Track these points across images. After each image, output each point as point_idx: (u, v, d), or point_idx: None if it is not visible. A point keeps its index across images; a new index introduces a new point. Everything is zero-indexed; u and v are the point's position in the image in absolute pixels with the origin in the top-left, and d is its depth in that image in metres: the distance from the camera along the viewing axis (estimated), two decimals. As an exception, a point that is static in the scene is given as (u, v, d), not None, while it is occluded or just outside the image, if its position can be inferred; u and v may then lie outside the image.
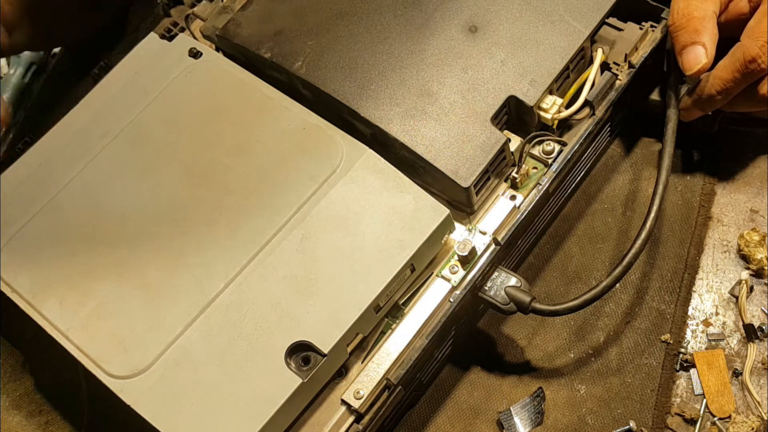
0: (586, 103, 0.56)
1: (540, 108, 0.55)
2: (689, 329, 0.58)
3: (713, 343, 0.57)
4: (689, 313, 0.58)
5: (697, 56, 0.54)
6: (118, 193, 0.55)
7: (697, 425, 0.55)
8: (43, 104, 0.76)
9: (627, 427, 0.55)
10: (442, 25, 0.56)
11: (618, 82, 0.57)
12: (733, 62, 0.54)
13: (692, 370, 0.57)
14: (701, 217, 0.61)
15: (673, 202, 0.62)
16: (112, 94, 0.58)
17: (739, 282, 0.58)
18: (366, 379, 0.51)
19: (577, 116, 0.57)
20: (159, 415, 0.48)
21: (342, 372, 0.52)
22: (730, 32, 0.56)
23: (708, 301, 0.59)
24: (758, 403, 0.55)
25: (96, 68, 0.62)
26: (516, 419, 0.56)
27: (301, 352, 0.49)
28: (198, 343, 0.49)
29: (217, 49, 0.62)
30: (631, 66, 0.57)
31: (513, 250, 0.58)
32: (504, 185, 0.56)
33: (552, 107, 0.55)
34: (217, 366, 0.49)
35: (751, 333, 0.57)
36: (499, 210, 0.55)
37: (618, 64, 0.58)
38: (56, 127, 0.58)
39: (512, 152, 0.55)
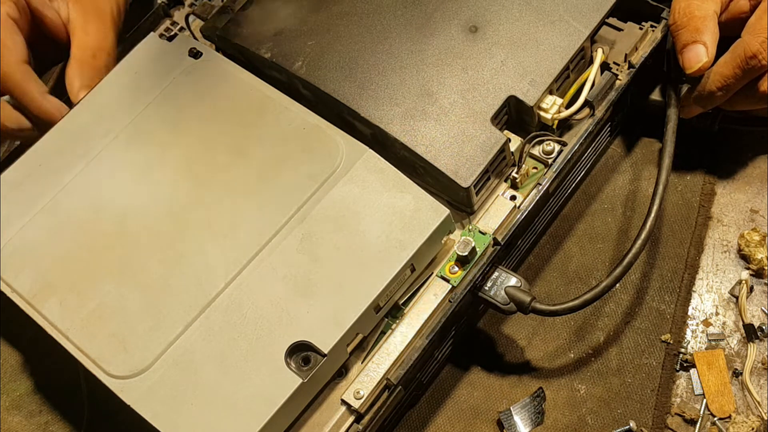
0: (586, 103, 0.56)
1: (540, 108, 0.55)
2: (689, 329, 0.58)
3: (713, 343, 0.57)
4: (689, 313, 0.58)
5: (697, 55, 0.54)
6: (118, 193, 0.55)
7: (697, 425, 0.55)
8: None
9: (627, 427, 0.55)
10: (442, 25, 0.56)
11: (618, 82, 0.57)
12: (734, 58, 0.54)
13: (692, 370, 0.57)
14: (701, 217, 0.61)
15: (673, 202, 0.62)
16: (112, 94, 0.58)
17: (739, 282, 0.58)
18: (366, 379, 0.51)
19: (577, 116, 0.57)
20: (159, 415, 0.48)
21: (342, 372, 0.52)
22: (730, 32, 0.56)
23: (708, 301, 0.59)
24: (758, 403, 0.55)
25: (96, 68, 0.61)
26: (516, 419, 0.56)
27: (301, 352, 0.49)
28: (198, 343, 0.49)
29: (217, 49, 0.62)
30: (631, 66, 0.57)
31: (513, 250, 0.58)
32: (504, 185, 0.56)
33: (552, 107, 0.55)
34: (217, 366, 0.49)
35: (751, 333, 0.57)
36: (499, 210, 0.55)
37: (618, 64, 0.58)
38: (56, 127, 0.58)
39: (512, 152, 0.55)
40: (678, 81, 0.59)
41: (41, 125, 0.59)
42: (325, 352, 0.48)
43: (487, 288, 0.54)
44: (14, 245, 0.54)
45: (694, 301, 0.59)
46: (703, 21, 0.54)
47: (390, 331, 0.52)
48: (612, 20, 0.59)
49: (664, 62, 0.60)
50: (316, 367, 0.48)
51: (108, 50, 0.61)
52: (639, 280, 0.60)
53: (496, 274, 0.54)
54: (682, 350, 0.57)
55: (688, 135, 0.61)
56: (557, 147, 0.55)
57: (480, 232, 0.54)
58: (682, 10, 0.55)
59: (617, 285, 0.57)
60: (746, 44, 0.53)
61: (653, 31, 0.59)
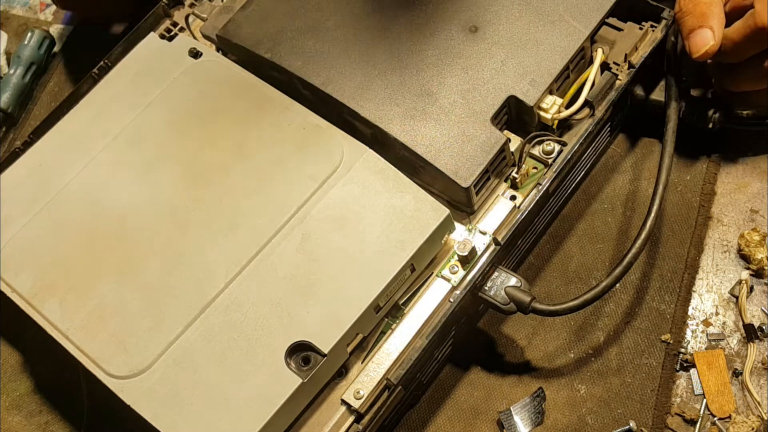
0: (586, 103, 0.56)
1: (540, 108, 0.55)
2: (689, 329, 0.58)
3: (713, 343, 0.57)
4: (689, 313, 0.58)
5: (704, 39, 0.54)
6: (118, 193, 0.55)
7: (697, 425, 0.55)
8: (43, 104, 0.76)
9: (627, 427, 0.55)
10: (442, 25, 0.56)
11: (618, 82, 0.57)
12: (745, 28, 0.53)
13: (692, 370, 0.57)
14: (701, 217, 0.61)
15: (673, 202, 0.62)
16: (112, 94, 0.58)
17: (739, 282, 0.58)
18: (366, 379, 0.51)
19: (577, 116, 0.57)
20: (159, 415, 0.48)
21: (342, 372, 0.52)
22: (735, 20, 0.55)
23: (708, 301, 0.59)
24: (758, 403, 0.55)
25: (96, 68, 0.62)
26: (516, 419, 0.56)
27: (301, 352, 0.49)
28: (198, 343, 0.49)
29: (217, 49, 0.62)
30: (631, 66, 0.57)
31: (513, 250, 0.58)
32: (504, 185, 0.56)
33: (552, 107, 0.55)
34: (217, 366, 0.49)
35: (751, 333, 0.57)
36: (499, 210, 0.55)
37: (618, 64, 0.58)
38: (56, 127, 0.58)
39: (512, 152, 0.55)
40: (678, 80, 0.59)
41: None
42: (325, 352, 0.48)
43: (487, 288, 0.54)
44: (14, 245, 0.54)
45: (694, 301, 0.59)
46: (709, 6, 0.54)
47: (390, 331, 0.52)
48: (612, 20, 0.59)
49: (664, 62, 0.60)
50: (316, 367, 0.48)
51: None
52: (639, 280, 0.60)
53: (496, 274, 0.54)
54: (682, 350, 0.57)
55: (688, 135, 0.61)
56: (557, 147, 0.56)
57: (480, 232, 0.54)
58: None
59: (617, 285, 0.57)
60: (758, 14, 0.53)
61: (653, 31, 0.58)
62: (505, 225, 0.54)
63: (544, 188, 0.54)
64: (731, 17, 0.55)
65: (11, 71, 0.76)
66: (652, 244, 0.61)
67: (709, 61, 0.56)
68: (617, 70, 0.58)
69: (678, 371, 0.57)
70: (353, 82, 0.55)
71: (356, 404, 0.50)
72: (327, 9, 0.58)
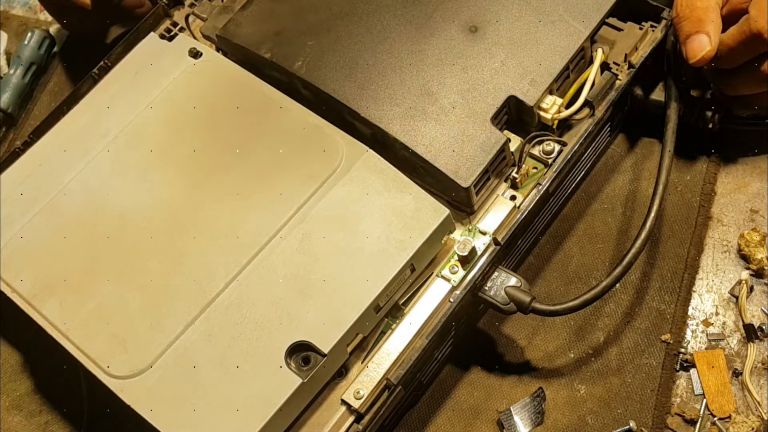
0: (586, 103, 0.56)
1: (540, 108, 0.55)
2: (689, 329, 0.58)
3: (713, 343, 0.57)
4: (689, 313, 0.58)
5: (701, 44, 0.54)
6: (118, 193, 0.55)
7: (697, 425, 0.55)
8: (43, 104, 0.76)
9: (627, 427, 0.55)
10: (442, 25, 0.56)
11: (618, 82, 0.57)
12: (740, 33, 0.54)
13: (692, 370, 0.57)
14: (701, 217, 0.61)
15: (673, 202, 0.62)
16: (112, 95, 0.58)
17: (739, 282, 0.58)
18: (366, 379, 0.51)
19: (577, 116, 0.57)
20: (159, 415, 0.48)
21: (342, 372, 0.52)
22: (731, 25, 0.55)
23: (708, 301, 0.59)
24: (758, 403, 0.55)
25: (96, 68, 0.61)
26: (516, 419, 0.56)
27: (301, 352, 0.49)
28: (198, 343, 0.49)
29: (217, 49, 0.62)
30: (631, 66, 0.57)
31: (513, 250, 0.58)
32: (504, 185, 0.56)
33: (552, 107, 0.55)
34: (217, 366, 0.49)
35: (751, 333, 0.57)
36: (499, 210, 0.55)
37: (618, 64, 0.58)
38: (56, 127, 0.58)
39: (512, 152, 0.55)
40: (678, 80, 0.59)
41: None
42: (325, 352, 0.48)
43: (487, 288, 0.54)
44: (14, 245, 0.54)
45: (694, 301, 0.59)
46: (706, 12, 0.54)
47: (390, 331, 0.52)
48: (612, 20, 0.59)
49: (664, 62, 0.60)
50: (316, 367, 0.48)
51: None
52: (639, 280, 0.60)
53: (496, 274, 0.54)
54: (682, 350, 0.57)
55: (688, 135, 0.61)
56: (557, 147, 0.56)
57: (480, 232, 0.54)
58: (685, 2, 0.55)
59: (617, 285, 0.57)
60: (752, 20, 0.53)
61: (653, 31, 0.59)
62: (505, 225, 0.54)
63: (544, 188, 0.54)
64: (727, 21, 0.55)
65: (11, 71, 0.76)
66: (652, 244, 0.61)
67: (705, 67, 0.56)
68: (617, 70, 0.58)
69: (678, 371, 0.57)
70: (353, 82, 0.55)
71: (356, 404, 0.50)
72: (327, 9, 0.58)
